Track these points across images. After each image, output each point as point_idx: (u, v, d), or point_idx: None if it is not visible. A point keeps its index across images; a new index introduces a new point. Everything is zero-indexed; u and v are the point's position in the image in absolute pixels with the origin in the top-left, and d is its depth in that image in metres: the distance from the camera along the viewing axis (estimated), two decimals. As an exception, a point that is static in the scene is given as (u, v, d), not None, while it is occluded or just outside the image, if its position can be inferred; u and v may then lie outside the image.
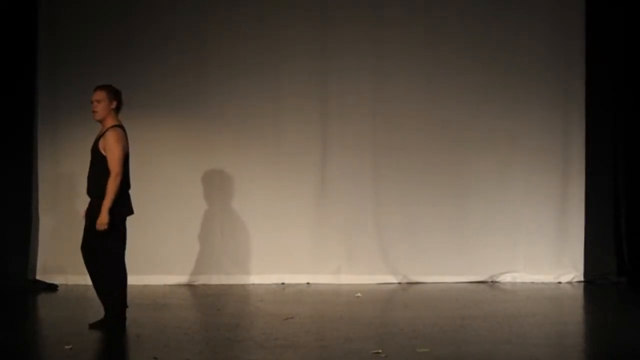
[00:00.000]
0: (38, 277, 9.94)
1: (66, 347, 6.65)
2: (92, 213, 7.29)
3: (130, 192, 7.47)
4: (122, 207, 7.31)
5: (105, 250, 7.27)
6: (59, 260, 9.87)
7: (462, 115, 10.19)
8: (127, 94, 9.76)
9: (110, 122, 7.35)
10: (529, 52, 10.19)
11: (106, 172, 7.21)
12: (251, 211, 10.12)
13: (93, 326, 7.36)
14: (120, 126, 7.33)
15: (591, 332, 7.73)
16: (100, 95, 7.36)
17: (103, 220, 7.15)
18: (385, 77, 10.17)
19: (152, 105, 10.05)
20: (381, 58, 10.17)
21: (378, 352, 6.36)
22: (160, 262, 9.96)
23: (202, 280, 10.06)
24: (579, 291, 9.75)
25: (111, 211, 7.18)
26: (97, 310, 7.54)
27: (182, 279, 10.04)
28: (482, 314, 8.08)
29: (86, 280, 7.89)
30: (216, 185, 10.12)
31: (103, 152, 7.26)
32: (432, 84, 10.18)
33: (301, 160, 10.18)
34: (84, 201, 7.49)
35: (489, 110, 10.21)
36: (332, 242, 10.16)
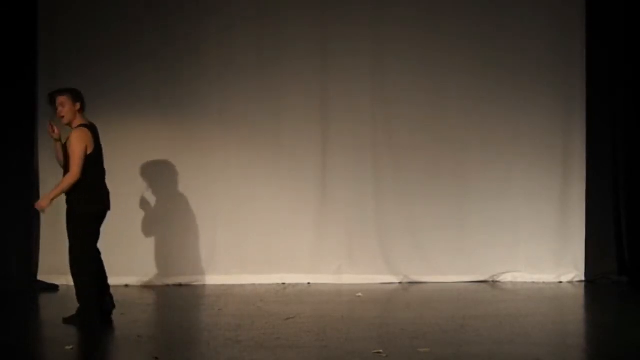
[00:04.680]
0: (39, 277, 9.90)
1: (67, 347, 6.65)
2: (66, 211, 7.43)
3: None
4: (90, 203, 7.41)
5: (73, 243, 7.41)
6: (60, 261, 9.79)
7: (462, 115, 10.17)
8: (126, 93, 9.88)
9: (76, 122, 7.49)
10: (529, 52, 10.17)
11: None
12: (252, 211, 10.10)
13: (67, 321, 7.44)
14: (85, 125, 7.44)
15: (592, 332, 7.73)
16: (63, 98, 7.48)
17: (42, 203, 7.40)
18: (386, 77, 10.15)
19: (152, 105, 10.04)
20: (381, 58, 10.15)
21: (379, 352, 6.36)
22: (161, 262, 9.94)
23: (203, 280, 10.05)
24: (580, 291, 9.75)
25: (78, 206, 7.31)
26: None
27: (183, 279, 10.02)
28: (483, 314, 8.08)
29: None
30: (217, 185, 10.10)
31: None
32: (432, 84, 10.16)
33: (301, 160, 10.16)
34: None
35: (489, 110, 10.19)
36: (333, 242, 10.14)
